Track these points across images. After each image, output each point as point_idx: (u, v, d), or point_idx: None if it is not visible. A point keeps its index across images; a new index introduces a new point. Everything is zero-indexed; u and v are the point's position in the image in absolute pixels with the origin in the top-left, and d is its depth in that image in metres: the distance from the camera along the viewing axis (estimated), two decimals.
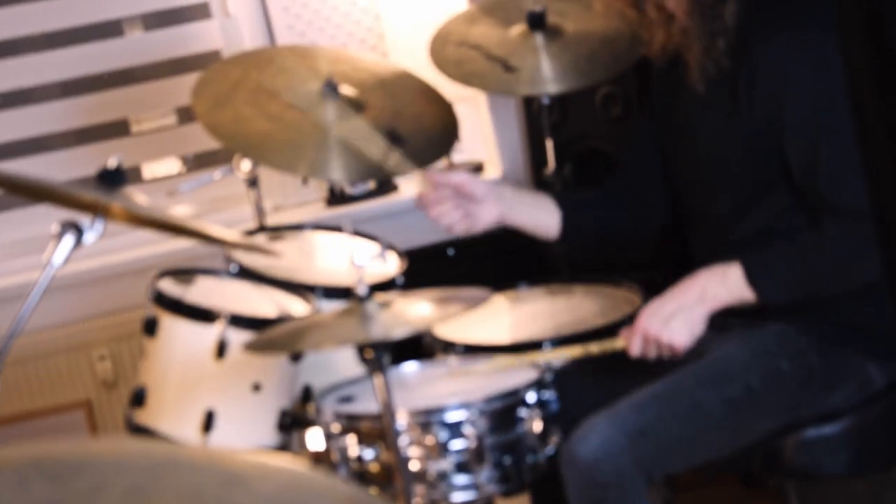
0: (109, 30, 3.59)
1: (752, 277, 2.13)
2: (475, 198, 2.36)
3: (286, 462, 0.64)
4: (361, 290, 1.96)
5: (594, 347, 2.24)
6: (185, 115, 3.62)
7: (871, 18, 0.87)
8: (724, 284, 2.14)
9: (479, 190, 2.36)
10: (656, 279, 2.69)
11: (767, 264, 2.14)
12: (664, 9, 2.22)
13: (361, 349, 1.91)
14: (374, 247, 2.60)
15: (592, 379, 2.35)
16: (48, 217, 2.27)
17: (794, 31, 2.11)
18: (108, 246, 3.44)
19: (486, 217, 2.38)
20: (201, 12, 3.58)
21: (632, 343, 2.18)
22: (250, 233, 2.77)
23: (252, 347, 2.00)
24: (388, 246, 2.69)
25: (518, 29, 2.73)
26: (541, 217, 2.45)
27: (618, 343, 2.22)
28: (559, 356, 2.29)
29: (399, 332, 1.88)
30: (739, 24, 2.13)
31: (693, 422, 2.13)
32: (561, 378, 2.24)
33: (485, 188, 2.37)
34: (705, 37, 2.13)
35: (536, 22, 2.69)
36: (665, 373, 2.25)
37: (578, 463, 2.08)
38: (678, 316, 2.14)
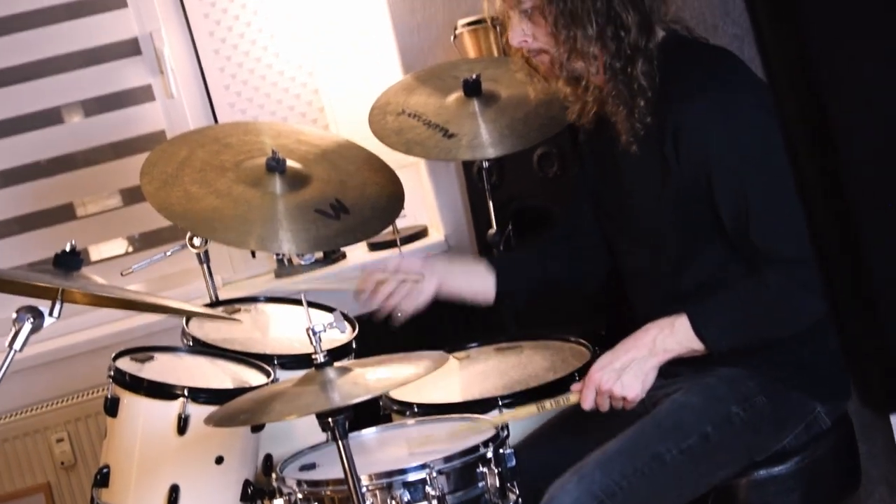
0: (54, 116, 3.63)
1: (699, 327, 2.18)
2: (412, 277, 2.41)
3: None
4: (320, 359, 2.00)
5: (548, 404, 2.29)
6: (130, 195, 3.66)
7: (801, 70, 0.94)
8: (673, 336, 2.20)
9: (412, 268, 2.42)
10: (599, 330, 2.76)
11: (711, 314, 2.20)
12: (579, 80, 2.29)
13: (322, 417, 1.95)
14: (327, 315, 2.65)
15: (547, 437, 2.40)
16: (4, 302, 2.30)
17: (711, 92, 2.18)
18: (60, 328, 3.46)
19: (425, 292, 2.43)
20: (145, 95, 3.64)
21: (585, 396, 2.22)
22: (204, 307, 2.81)
23: (213, 421, 2.01)
24: (341, 313, 2.74)
25: (454, 96, 2.80)
26: (475, 283, 2.50)
27: (571, 397, 2.27)
28: (516, 416, 2.34)
29: (359, 398, 1.92)
30: (659, 84, 2.20)
31: (656, 475, 2.17)
32: (518, 445, 2.28)
33: (417, 266, 2.43)
34: (627, 100, 2.20)
35: (472, 89, 2.77)
36: (621, 427, 2.30)
37: None
38: (630, 369, 2.20)
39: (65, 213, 3.69)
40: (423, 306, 2.45)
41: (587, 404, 2.22)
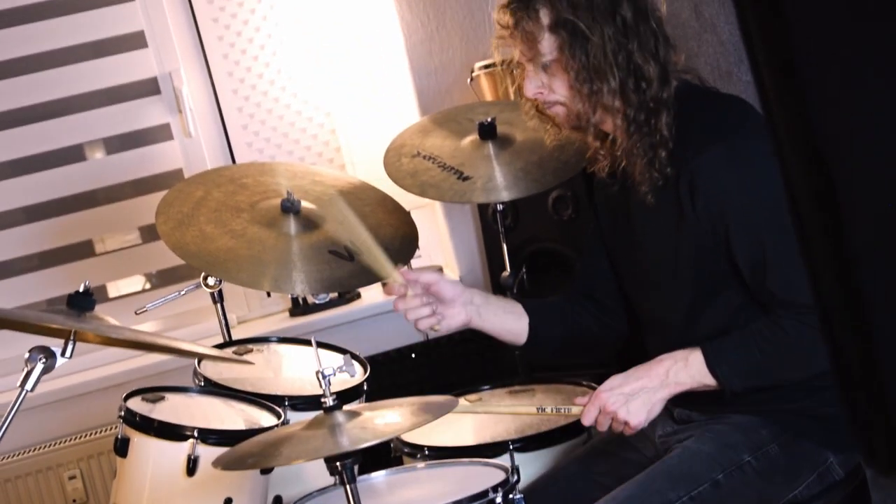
0: (76, 154, 3.66)
1: (713, 363, 2.18)
2: (444, 299, 2.36)
3: None
4: (329, 402, 2.00)
5: (549, 409, 2.28)
6: (149, 233, 3.68)
7: (802, 123, 0.94)
8: (686, 370, 2.19)
9: (448, 292, 2.36)
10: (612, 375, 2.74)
11: (727, 351, 2.19)
12: (605, 133, 2.29)
13: (330, 461, 1.95)
14: (338, 357, 2.65)
15: (557, 483, 2.39)
16: (16, 340, 2.32)
17: (725, 140, 2.18)
18: (74, 366, 3.46)
19: (454, 320, 2.38)
20: (163, 133, 3.66)
21: (587, 412, 2.21)
22: (217, 347, 2.81)
23: (221, 464, 2.01)
24: (353, 355, 2.74)
25: (470, 139, 2.81)
26: (509, 322, 2.45)
27: (573, 409, 2.26)
28: (515, 412, 2.33)
29: (367, 443, 1.92)
30: (676, 135, 2.20)
31: None
32: (526, 491, 2.27)
33: (454, 290, 2.37)
34: (648, 151, 2.20)
35: (487, 132, 2.78)
36: (633, 474, 2.29)
37: None
38: (640, 396, 2.19)
39: (84, 250, 3.71)
40: (448, 332, 2.43)
41: (587, 420, 2.21)
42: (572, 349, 2.59)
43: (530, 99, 2.30)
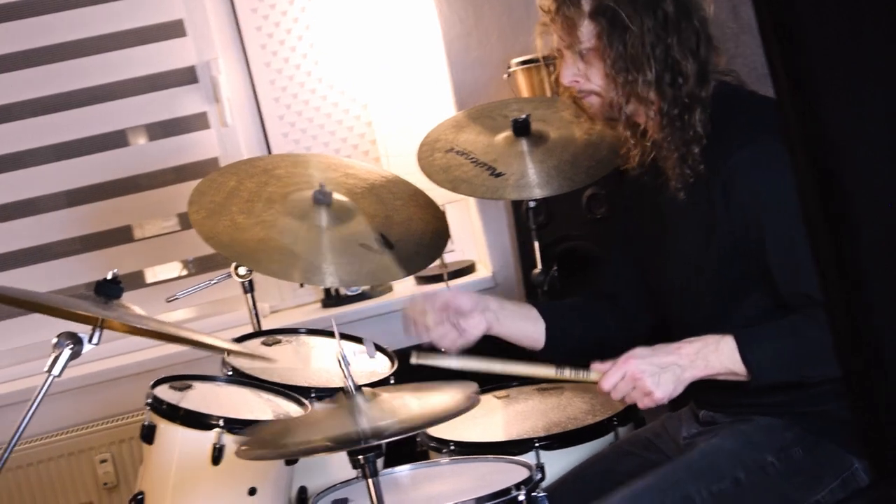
0: (115, 140, 3.69)
1: (745, 351, 2.15)
2: (463, 311, 2.38)
3: None
4: (350, 388, 2.00)
5: (567, 373, 2.25)
6: (187, 220, 3.70)
7: (815, 139, 0.94)
8: (716, 353, 2.16)
9: (465, 303, 2.38)
10: None
11: (760, 339, 2.17)
12: (636, 125, 2.29)
13: (353, 454, 1.96)
14: (365, 348, 2.66)
15: (579, 482, 2.39)
16: (49, 324, 2.34)
17: (760, 141, 2.16)
18: (107, 351, 3.50)
19: (475, 329, 2.39)
20: (200, 122, 3.69)
21: (609, 377, 2.17)
22: (246, 337, 2.83)
23: (242, 454, 2.02)
24: (380, 348, 2.74)
25: (503, 135, 2.80)
26: (526, 327, 2.46)
27: (592, 375, 2.22)
28: (533, 374, 2.32)
29: (388, 437, 1.92)
30: (712, 134, 2.19)
31: None
32: (550, 489, 2.27)
33: (470, 301, 2.39)
34: (681, 146, 2.19)
35: (521, 128, 2.77)
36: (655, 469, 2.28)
37: None
38: (671, 370, 2.15)
39: (123, 235, 3.74)
40: (473, 341, 2.41)
41: (608, 384, 2.16)
42: (592, 349, 2.57)
43: (567, 88, 2.30)
